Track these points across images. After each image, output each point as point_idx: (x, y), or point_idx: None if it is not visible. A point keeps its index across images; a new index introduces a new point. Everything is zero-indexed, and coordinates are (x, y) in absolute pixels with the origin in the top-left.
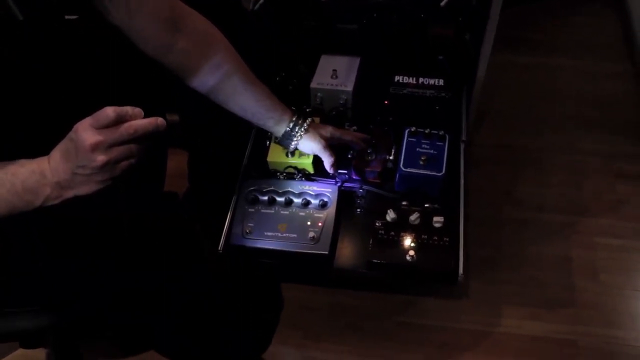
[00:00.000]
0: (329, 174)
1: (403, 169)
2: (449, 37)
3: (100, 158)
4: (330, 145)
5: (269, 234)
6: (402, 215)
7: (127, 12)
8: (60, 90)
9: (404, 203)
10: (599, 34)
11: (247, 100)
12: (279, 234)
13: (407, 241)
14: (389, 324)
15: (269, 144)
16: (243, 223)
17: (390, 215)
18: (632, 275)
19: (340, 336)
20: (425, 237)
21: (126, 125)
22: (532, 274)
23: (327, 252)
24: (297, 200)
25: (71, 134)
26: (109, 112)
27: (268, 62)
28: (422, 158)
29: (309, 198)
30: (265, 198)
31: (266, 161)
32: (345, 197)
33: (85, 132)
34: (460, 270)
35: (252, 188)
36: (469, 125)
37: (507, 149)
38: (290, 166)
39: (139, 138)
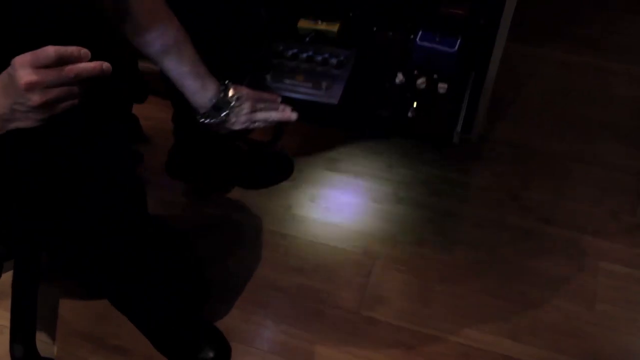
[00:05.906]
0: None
1: (419, 42)
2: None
3: (35, 98)
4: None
5: (288, 81)
6: (411, 79)
7: None
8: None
9: (416, 72)
10: None
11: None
12: (295, 82)
13: (411, 100)
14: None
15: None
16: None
17: (399, 77)
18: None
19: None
20: (430, 99)
21: (68, 68)
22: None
23: (336, 102)
24: (318, 58)
25: (9, 69)
26: (50, 51)
27: None
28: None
29: (328, 57)
30: (290, 52)
31: (296, 27)
32: (360, 60)
33: (22, 69)
34: (458, 128)
35: (280, 44)
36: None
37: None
38: (317, 30)
39: (81, 81)
